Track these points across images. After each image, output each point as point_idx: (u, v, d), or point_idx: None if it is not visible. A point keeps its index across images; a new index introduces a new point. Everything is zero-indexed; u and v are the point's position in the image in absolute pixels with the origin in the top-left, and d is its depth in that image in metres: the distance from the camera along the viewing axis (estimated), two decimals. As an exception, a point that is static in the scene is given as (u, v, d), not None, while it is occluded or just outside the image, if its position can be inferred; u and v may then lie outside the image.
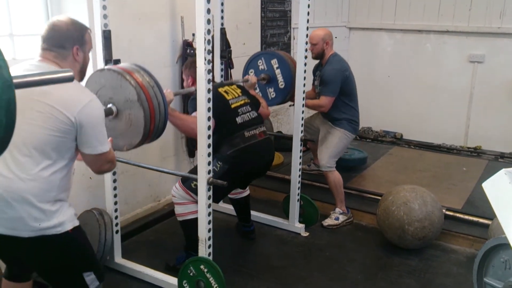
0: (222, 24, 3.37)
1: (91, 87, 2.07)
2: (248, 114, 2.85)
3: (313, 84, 3.74)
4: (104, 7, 2.45)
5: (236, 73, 3.92)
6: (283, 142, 4.76)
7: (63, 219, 1.75)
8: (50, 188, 1.71)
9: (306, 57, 3.11)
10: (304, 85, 3.17)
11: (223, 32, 3.37)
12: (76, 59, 1.82)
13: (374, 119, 5.79)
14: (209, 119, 2.31)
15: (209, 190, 2.40)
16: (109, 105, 2.07)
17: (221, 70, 3.49)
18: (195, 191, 2.63)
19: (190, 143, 3.77)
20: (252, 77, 3.32)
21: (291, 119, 5.09)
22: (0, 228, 1.70)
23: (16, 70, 1.77)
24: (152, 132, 2.10)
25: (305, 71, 3.14)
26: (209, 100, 2.28)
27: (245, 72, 3.62)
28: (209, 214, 2.43)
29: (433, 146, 5.33)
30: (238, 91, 2.93)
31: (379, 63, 5.72)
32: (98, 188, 2.96)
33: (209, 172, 2.37)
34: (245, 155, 2.73)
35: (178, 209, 2.80)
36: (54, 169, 1.72)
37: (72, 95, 1.71)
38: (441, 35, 5.30)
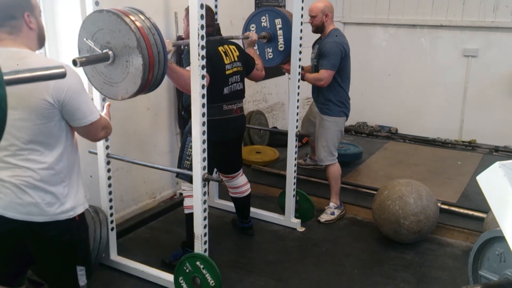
0: (216, 19, 3.34)
1: (88, 29, 1.94)
2: (235, 85, 2.84)
3: (311, 58, 3.60)
4: (97, 3, 2.42)
5: (236, 30, 3.80)
6: (278, 138, 4.77)
7: (75, 203, 1.77)
8: (60, 171, 1.72)
9: (300, 59, 3.10)
10: (299, 80, 3.16)
11: (217, 28, 3.34)
12: (30, 27, 1.69)
13: (369, 114, 5.80)
14: (203, 115, 2.29)
15: (204, 186, 2.39)
16: (106, 50, 1.91)
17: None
18: (188, 177, 2.62)
19: (185, 112, 3.62)
20: (253, 34, 3.22)
21: (286, 114, 5.09)
22: (14, 213, 1.69)
23: None
24: (149, 83, 1.96)
25: (300, 60, 3.13)
26: (203, 87, 2.26)
27: (246, 26, 3.47)
28: (204, 210, 2.42)
29: (428, 141, 5.35)
30: (236, 54, 2.87)
31: (373, 58, 5.73)
32: (93, 185, 2.95)
33: (204, 168, 2.36)
34: (217, 126, 2.70)
35: (186, 201, 2.81)
36: (57, 153, 1.71)
37: None
38: (435, 30, 5.31)
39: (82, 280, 1.87)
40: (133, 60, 1.88)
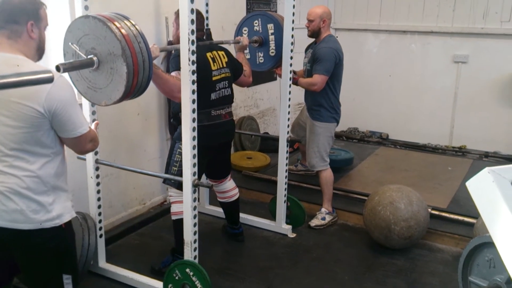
0: (207, 24, 3.34)
1: (73, 33, 1.94)
2: (223, 90, 2.83)
3: (303, 62, 3.60)
4: (86, 7, 2.41)
5: (227, 35, 3.80)
6: (270, 143, 4.76)
7: (61, 211, 1.74)
8: (45, 180, 1.69)
9: (291, 64, 3.10)
10: (290, 85, 3.15)
11: (208, 33, 3.34)
12: (31, 35, 1.69)
13: (361, 120, 5.82)
14: (193, 120, 2.28)
15: (194, 192, 2.37)
16: (91, 56, 1.91)
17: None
18: (175, 184, 2.64)
19: (174, 119, 3.61)
20: (244, 38, 3.21)
21: (277, 120, 5.09)
22: None
23: None
24: (133, 90, 1.96)
25: (291, 65, 3.13)
26: (193, 92, 2.24)
27: (239, 29, 3.46)
28: (194, 217, 2.40)
29: (418, 146, 5.37)
30: (224, 60, 2.86)
31: (365, 63, 5.75)
32: (81, 192, 2.92)
33: (194, 174, 2.35)
34: (206, 132, 2.67)
35: (173, 207, 2.78)
36: (43, 161, 1.68)
37: None
38: (426, 36, 5.35)
39: None
40: (117, 67, 1.87)
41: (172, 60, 2.67)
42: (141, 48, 1.92)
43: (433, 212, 3.41)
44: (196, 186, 2.36)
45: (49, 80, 1.24)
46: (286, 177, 3.29)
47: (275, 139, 3.37)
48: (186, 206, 2.39)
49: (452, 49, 5.22)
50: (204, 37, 3.22)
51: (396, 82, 5.62)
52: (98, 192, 2.70)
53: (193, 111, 2.27)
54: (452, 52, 5.22)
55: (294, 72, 3.21)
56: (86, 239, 2.64)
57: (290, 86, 3.15)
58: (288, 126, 3.22)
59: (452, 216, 3.43)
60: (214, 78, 2.77)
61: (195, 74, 2.25)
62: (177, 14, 2.76)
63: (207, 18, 3.34)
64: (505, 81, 4.99)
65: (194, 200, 2.38)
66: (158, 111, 3.64)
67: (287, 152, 3.26)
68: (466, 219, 3.34)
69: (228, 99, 2.90)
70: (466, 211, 3.42)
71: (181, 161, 2.42)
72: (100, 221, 2.73)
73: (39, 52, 1.76)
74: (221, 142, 2.95)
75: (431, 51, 5.36)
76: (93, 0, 2.43)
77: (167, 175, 2.71)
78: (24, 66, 1.63)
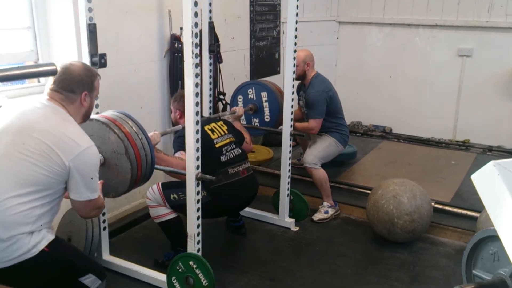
0: (210, 17, 3.33)
1: None
2: (232, 151, 2.85)
3: (298, 103, 3.76)
4: (90, 10, 2.40)
5: (225, 67, 3.88)
6: (273, 137, 4.75)
7: (37, 240, 1.72)
8: (26, 221, 1.69)
9: (295, 50, 3.09)
10: (294, 79, 3.14)
11: (211, 26, 3.33)
12: (83, 104, 1.88)
13: (364, 114, 5.80)
14: (197, 104, 2.27)
15: (197, 185, 2.37)
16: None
17: (210, 64, 3.45)
18: (172, 203, 2.68)
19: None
20: (239, 108, 3.32)
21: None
22: None
23: (25, 104, 1.84)
24: (138, 181, 2.16)
25: (294, 65, 3.12)
26: (196, 85, 2.24)
27: (234, 97, 3.64)
28: (198, 210, 2.41)
29: (422, 140, 5.35)
30: (224, 128, 2.92)
31: (368, 57, 5.72)
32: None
33: (197, 168, 2.35)
34: (228, 191, 2.73)
35: (152, 212, 2.79)
36: (36, 204, 1.71)
37: (71, 139, 1.74)
38: (430, 29, 5.31)
39: (94, 284, 1.88)
40: (122, 164, 2.06)
41: (175, 141, 2.75)
42: (143, 144, 2.12)
43: (436, 206, 3.40)
44: (199, 179, 2.37)
45: (53, 73, 1.27)
46: (289, 171, 3.29)
47: (279, 133, 3.37)
48: (189, 199, 2.40)
49: (456, 42, 5.18)
50: (207, 30, 3.23)
51: (400, 75, 5.58)
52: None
53: (197, 104, 2.27)
54: (457, 45, 5.18)
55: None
56: (90, 232, 2.65)
57: (293, 79, 3.15)
58: (292, 120, 3.22)
59: (455, 210, 3.43)
60: (217, 145, 2.79)
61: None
62: (175, 98, 2.88)
63: (210, 11, 3.33)
64: (510, 75, 4.95)
65: (198, 193, 2.38)
66: (161, 105, 3.64)
67: (290, 146, 3.26)
68: (469, 213, 3.33)
69: (242, 156, 2.90)
70: (469, 205, 3.41)
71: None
72: (103, 214, 2.74)
73: (85, 117, 1.96)
74: (244, 199, 2.94)
75: (436, 44, 5.32)
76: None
77: (170, 168, 2.71)
78: (70, 121, 1.83)
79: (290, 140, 3.25)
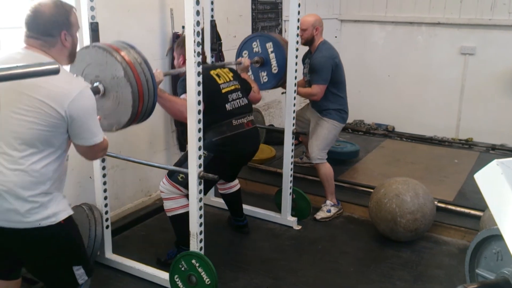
0: (212, 16, 3.33)
1: (77, 65, 2.01)
2: (238, 101, 2.80)
3: (303, 72, 3.68)
4: (92, 8, 2.39)
5: (228, 57, 3.86)
6: (275, 136, 4.74)
7: (57, 209, 1.73)
8: (43, 181, 1.69)
9: (297, 49, 3.08)
10: (296, 77, 3.14)
11: (213, 25, 3.33)
12: (64, 45, 1.74)
13: (366, 112, 5.79)
14: (199, 103, 2.27)
15: (200, 184, 2.37)
16: (96, 84, 2.00)
17: (212, 63, 3.45)
18: (182, 183, 2.62)
19: (181, 137, 3.73)
20: (245, 59, 3.25)
21: (282, 112, 5.07)
22: None
23: (2, 57, 1.73)
24: (140, 111, 2.04)
25: (296, 64, 3.11)
26: (199, 84, 2.24)
27: (239, 53, 3.52)
28: (200, 208, 2.41)
29: (425, 139, 5.34)
30: (230, 75, 2.87)
31: (370, 55, 5.71)
32: (88, 183, 2.93)
33: (200, 166, 2.35)
34: (231, 143, 2.69)
35: (166, 204, 2.77)
36: (46, 161, 1.69)
37: (61, 87, 1.65)
38: (433, 27, 5.30)
39: (82, 278, 1.86)
40: (122, 90, 1.96)
41: (180, 84, 2.68)
42: (143, 69, 2.01)
43: (439, 204, 3.39)
44: (202, 178, 2.36)
45: (56, 71, 1.24)
46: (291, 169, 3.28)
47: (281, 132, 3.36)
48: (192, 198, 2.40)
49: (459, 40, 5.17)
50: (209, 29, 3.22)
51: (402, 74, 5.57)
52: (105, 183, 2.70)
53: (199, 102, 2.27)
54: (459, 43, 5.17)
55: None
56: (93, 230, 2.65)
57: (295, 78, 3.14)
58: (294, 118, 3.21)
59: (458, 209, 3.42)
60: (224, 91, 2.76)
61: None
62: (178, 43, 2.82)
63: (212, 9, 3.33)
64: (513, 73, 4.95)
65: (200, 192, 2.38)
66: (164, 103, 3.64)
67: (292, 145, 3.25)
68: (472, 212, 3.32)
69: (247, 108, 2.86)
70: (473, 204, 3.40)
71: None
72: (106, 212, 2.74)
73: (70, 57, 1.82)
74: (247, 151, 2.91)
75: (438, 42, 5.30)
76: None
77: (172, 167, 2.72)
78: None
79: (292, 138, 3.24)
